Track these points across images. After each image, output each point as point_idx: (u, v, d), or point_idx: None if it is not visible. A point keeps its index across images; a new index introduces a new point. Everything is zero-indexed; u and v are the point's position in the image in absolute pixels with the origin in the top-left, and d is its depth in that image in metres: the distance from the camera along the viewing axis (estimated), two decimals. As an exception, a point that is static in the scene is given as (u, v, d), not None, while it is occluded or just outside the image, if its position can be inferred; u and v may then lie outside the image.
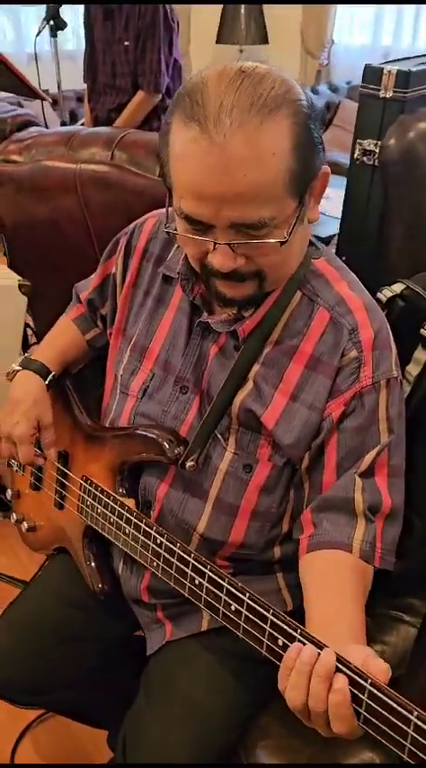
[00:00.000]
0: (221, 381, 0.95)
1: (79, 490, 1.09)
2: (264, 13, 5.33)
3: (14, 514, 1.29)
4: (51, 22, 2.49)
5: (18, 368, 1.13)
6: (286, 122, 0.76)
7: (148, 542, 0.92)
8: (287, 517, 0.98)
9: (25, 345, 1.74)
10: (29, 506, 1.26)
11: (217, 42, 5.44)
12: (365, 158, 1.43)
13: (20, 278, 1.48)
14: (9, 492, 1.30)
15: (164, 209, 1.14)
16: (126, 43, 2.63)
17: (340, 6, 4.99)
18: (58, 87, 2.63)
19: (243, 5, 5.23)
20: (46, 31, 2.63)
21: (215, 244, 0.81)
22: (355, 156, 1.44)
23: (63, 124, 2.67)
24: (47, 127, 2.99)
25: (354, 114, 1.52)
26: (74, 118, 4.46)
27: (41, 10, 4.73)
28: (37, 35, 2.53)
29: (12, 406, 1.10)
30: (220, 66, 0.79)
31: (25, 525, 1.24)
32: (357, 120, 1.44)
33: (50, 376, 1.14)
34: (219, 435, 0.95)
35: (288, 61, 5.43)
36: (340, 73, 5.09)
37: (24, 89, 2.35)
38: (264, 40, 5.37)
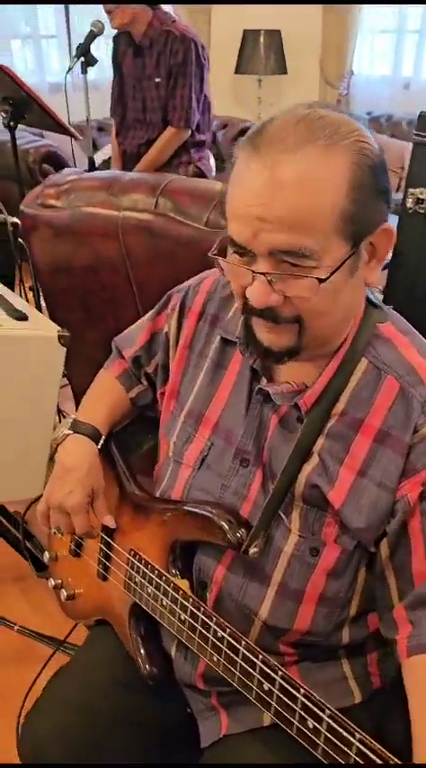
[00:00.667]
0: (283, 455, 0.89)
1: (126, 565, 1.03)
2: (283, 42, 5.36)
3: (52, 579, 1.23)
4: (82, 59, 2.47)
5: (68, 432, 1.08)
6: (345, 159, 0.75)
7: (207, 634, 0.86)
8: (355, 600, 0.91)
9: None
10: (68, 571, 1.20)
11: (235, 72, 5.47)
12: (418, 207, 1.39)
13: (59, 328, 1.44)
14: (47, 554, 1.25)
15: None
16: (157, 80, 2.61)
17: (359, 36, 5.00)
18: (87, 122, 2.61)
19: (262, 34, 5.27)
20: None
21: (253, 275, 0.78)
22: (407, 205, 1.40)
23: (91, 160, 2.64)
24: (74, 160, 2.99)
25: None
26: (94, 147, 4.48)
27: (63, 42, 4.80)
28: (68, 71, 2.51)
29: (63, 473, 1.05)
30: (294, 105, 0.79)
31: (64, 593, 1.18)
32: (409, 169, 1.40)
33: (102, 440, 1.08)
34: (282, 514, 0.89)
35: (307, 91, 5.44)
36: (359, 103, 5.09)
37: (54, 125, 2.33)
38: (283, 71, 5.40)
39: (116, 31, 2.69)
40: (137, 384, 1.17)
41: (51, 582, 1.22)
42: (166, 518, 0.98)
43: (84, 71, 2.51)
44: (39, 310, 2.23)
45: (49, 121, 2.33)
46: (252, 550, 0.86)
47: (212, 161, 2.89)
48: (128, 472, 1.10)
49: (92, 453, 1.06)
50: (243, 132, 4.56)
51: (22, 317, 1.45)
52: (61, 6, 4.68)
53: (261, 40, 5.31)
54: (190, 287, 1.07)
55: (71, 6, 4.73)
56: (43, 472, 1.56)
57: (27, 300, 2.07)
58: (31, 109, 2.33)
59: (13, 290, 1.81)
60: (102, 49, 4.84)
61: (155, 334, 1.12)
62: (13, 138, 2.50)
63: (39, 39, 4.68)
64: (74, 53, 4.73)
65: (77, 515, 1.03)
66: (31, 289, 2.18)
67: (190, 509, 0.93)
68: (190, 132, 2.69)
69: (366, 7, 4.88)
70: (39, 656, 1.72)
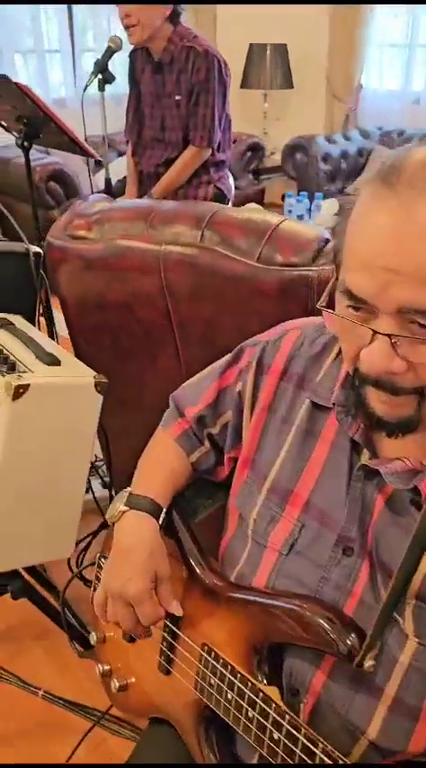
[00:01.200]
0: (394, 544, 0.76)
1: (197, 661, 0.89)
2: (289, 56, 5.28)
3: (100, 665, 1.09)
4: (100, 76, 2.35)
5: (124, 508, 0.94)
6: None
7: (295, 749, 0.72)
8: None
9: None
10: (119, 657, 1.06)
11: (241, 87, 5.38)
12: None
13: (94, 373, 1.30)
14: (93, 635, 1.10)
15: (304, 321, 0.98)
16: (177, 97, 2.49)
17: (368, 50, 4.92)
18: (104, 140, 2.49)
19: (268, 48, 5.18)
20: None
21: (373, 333, 0.66)
22: None
23: (107, 181, 2.52)
24: (91, 180, 2.86)
25: None
26: (98, 164, 4.37)
27: (67, 56, 4.70)
28: (85, 89, 2.39)
29: (122, 557, 0.91)
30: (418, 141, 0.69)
31: (115, 684, 1.04)
32: None
33: (163, 515, 0.95)
34: (396, 615, 0.75)
35: (314, 106, 5.36)
36: (368, 118, 5.00)
37: (71, 145, 2.20)
38: (289, 85, 5.31)
39: (132, 45, 2.57)
40: (198, 446, 1.03)
41: (99, 668, 1.08)
42: (250, 612, 0.84)
43: (102, 88, 2.39)
44: (52, 337, 2.11)
45: (66, 141, 2.20)
46: (368, 663, 0.73)
47: (231, 180, 2.77)
48: (195, 549, 0.96)
49: (152, 531, 0.93)
50: (251, 148, 4.45)
51: (53, 361, 1.32)
52: (65, 20, 4.58)
53: (268, 53, 5.23)
54: (269, 341, 0.94)
55: (75, 20, 4.63)
56: (75, 530, 1.42)
57: (52, 337, 1.94)
58: (47, 128, 2.21)
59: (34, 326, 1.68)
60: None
61: (224, 392, 0.99)
62: (27, 159, 2.37)
63: (43, 53, 4.58)
64: (74, 67, 4.65)
65: (141, 605, 0.89)
66: (42, 315, 2.04)
67: (283, 605, 0.80)
68: (210, 152, 2.57)
69: (375, 21, 4.81)
70: (68, 726, 1.58)
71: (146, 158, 2.69)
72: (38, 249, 1.74)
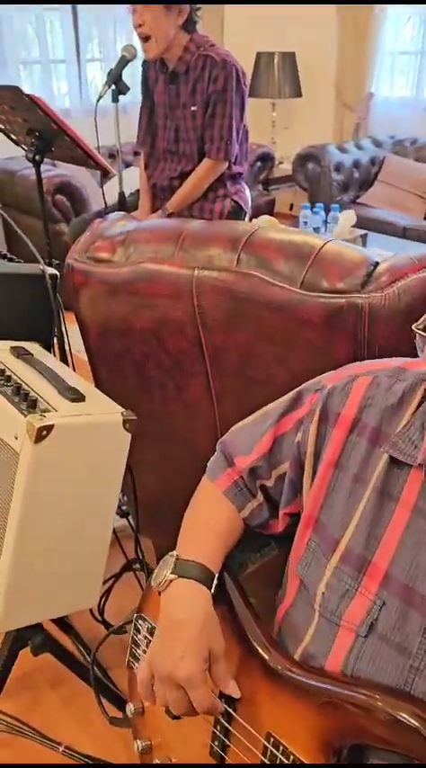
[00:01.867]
0: None
1: (260, 753, 0.78)
2: (298, 65, 5.20)
3: (139, 740, 0.97)
4: (113, 87, 2.26)
5: (172, 576, 0.83)
6: None
7: None
8: None
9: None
10: (161, 733, 0.95)
11: (249, 96, 5.29)
12: None
13: (122, 410, 1.20)
14: (130, 706, 0.99)
15: (373, 365, 0.87)
16: (193, 108, 2.40)
17: (379, 58, 4.84)
18: (118, 153, 2.39)
19: (276, 56, 5.10)
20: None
21: None
22: None
23: (121, 195, 2.42)
24: (104, 195, 2.76)
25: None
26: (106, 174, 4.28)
27: (73, 66, 4.61)
28: (98, 100, 2.29)
29: (170, 633, 0.80)
30: None
31: (157, 762, 0.93)
32: None
33: (215, 582, 0.84)
34: None
35: (323, 115, 5.27)
36: (379, 126, 4.92)
37: (85, 159, 2.10)
38: (298, 93, 5.23)
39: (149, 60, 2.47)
40: (250, 499, 0.93)
41: (138, 744, 0.97)
42: (325, 702, 0.73)
43: (116, 99, 2.29)
44: (65, 360, 1.99)
45: (80, 155, 2.10)
46: None
47: (248, 193, 2.67)
48: (251, 616, 0.85)
49: (205, 603, 0.82)
50: (261, 158, 4.34)
51: (78, 397, 1.21)
52: (71, 30, 4.50)
53: (276, 62, 5.15)
54: (335, 387, 0.83)
55: (81, 30, 4.55)
56: (100, 577, 1.31)
57: (65, 360, 1.83)
58: (59, 141, 2.11)
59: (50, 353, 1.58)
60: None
61: (280, 440, 0.88)
62: (38, 174, 2.27)
63: (48, 63, 4.49)
64: (80, 77, 4.56)
65: (195, 689, 0.78)
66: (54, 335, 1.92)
67: (367, 700, 0.68)
68: (227, 165, 2.48)
69: (386, 28, 4.73)
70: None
71: (158, 171, 2.60)
72: (54, 271, 1.63)
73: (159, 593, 0.84)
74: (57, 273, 1.63)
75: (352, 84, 4.96)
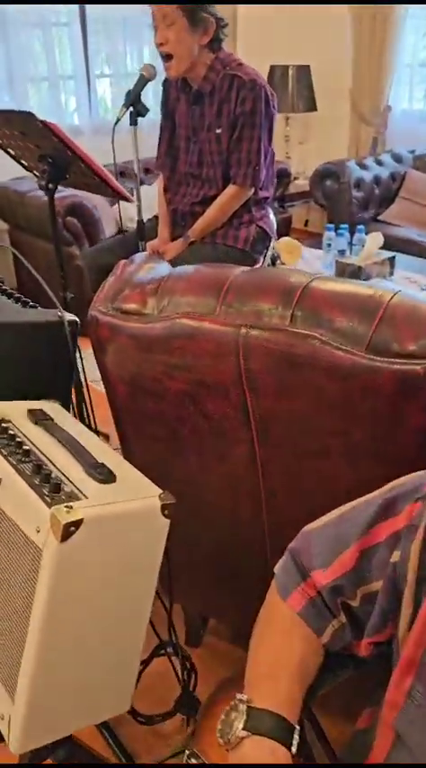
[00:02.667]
0: None
1: None
2: (313, 78, 5.05)
3: None
4: (131, 108, 2.10)
5: (245, 734, 0.66)
6: None
7: None
8: None
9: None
10: None
11: (262, 110, 5.16)
12: None
13: (160, 492, 1.03)
14: None
15: None
16: (217, 131, 2.24)
17: (397, 70, 4.69)
18: (137, 179, 2.23)
19: (290, 69, 4.96)
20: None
21: None
22: None
23: (140, 223, 2.26)
24: (121, 221, 2.60)
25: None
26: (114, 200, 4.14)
27: (81, 83, 4.47)
28: (116, 123, 2.14)
29: None
30: None
31: None
32: None
33: (296, 736, 0.67)
34: None
35: (339, 129, 5.12)
36: (398, 140, 4.76)
37: (106, 189, 1.94)
38: (312, 107, 5.08)
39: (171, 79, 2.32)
40: (330, 620, 0.76)
41: None
42: None
43: (134, 122, 2.14)
44: (82, 418, 1.81)
45: (97, 183, 1.95)
46: None
47: (273, 217, 2.51)
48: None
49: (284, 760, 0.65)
50: (278, 174, 4.20)
51: (108, 477, 1.04)
52: (80, 46, 4.37)
53: (290, 75, 5.01)
54: None
55: (90, 46, 4.41)
56: (134, 678, 1.14)
57: (82, 417, 1.66)
58: (73, 168, 1.96)
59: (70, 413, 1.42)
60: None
61: (369, 554, 0.72)
62: (52, 202, 2.12)
63: (56, 80, 4.36)
64: (89, 94, 4.42)
65: None
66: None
67: None
68: (253, 191, 2.32)
69: (403, 40, 4.58)
70: None
71: (179, 196, 2.44)
72: (73, 317, 1.47)
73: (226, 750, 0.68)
74: (77, 320, 1.47)
75: (369, 97, 4.81)
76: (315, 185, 4.29)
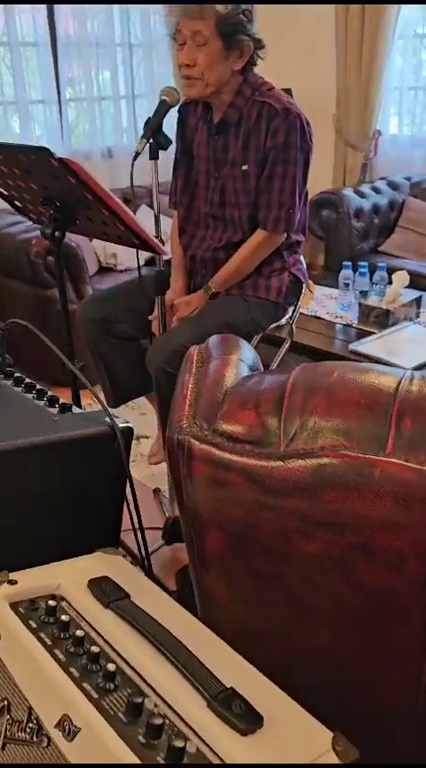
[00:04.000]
0: None
1: None
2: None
3: None
4: (151, 140, 1.74)
5: None
6: None
7: None
8: None
9: None
10: None
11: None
12: None
13: (332, 735, 0.67)
14: None
15: None
16: (244, 167, 1.90)
17: (384, 94, 4.47)
18: (156, 221, 1.86)
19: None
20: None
21: None
22: None
23: (160, 273, 1.88)
24: (140, 275, 2.22)
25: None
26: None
27: (52, 107, 4.10)
28: (135, 158, 1.77)
29: None
30: None
31: None
32: None
33: None
34: None
35: (323, 154, 4.87)
36: (389, 166, 4.53)
37: (133, 240, 1.57)
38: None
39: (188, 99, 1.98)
40: None
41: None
42: None
43: (155, 155, 1.78)
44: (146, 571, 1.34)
45: (121, 233, 1.58)
46: None
47: (304, 262, 2.18)
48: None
49: None
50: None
51: (250, 720, 0.67)
52: (50, 65, 3.99)
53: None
54: None
55: (61, 68, 4.04)
56: None
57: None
58: (91, 214, 1.59)
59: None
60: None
61: None
62: (59, 255, 1.74)
63: (26, 105, 3.97)
64: (61, 119, 4.03)
65: None
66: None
67: None
68: (285, 236, 1.99)
69: (390, 63, 4.38)
70: None
71: (198, 240, 2.09)
72: (127, 424, 1.10)
73: None
74: (132, 428, 1.10)
75: (356, 122, 4.58)
76: (311, 215, 4.00)
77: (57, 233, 1.66)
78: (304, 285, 2.16)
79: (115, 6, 4.22)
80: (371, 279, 2.87)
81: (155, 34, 4.47)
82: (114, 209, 1.46)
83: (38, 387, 1.21)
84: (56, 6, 3.95)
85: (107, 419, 1.07)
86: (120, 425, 1.07)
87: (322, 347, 2.61)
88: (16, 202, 1.83)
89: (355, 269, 2.90)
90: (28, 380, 1.24)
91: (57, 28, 3.98)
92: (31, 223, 3.36)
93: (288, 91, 4.73)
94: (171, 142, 1.81)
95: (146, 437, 2.85)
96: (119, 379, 2.09)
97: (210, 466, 0.87)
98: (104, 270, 3.78)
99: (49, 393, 1.18)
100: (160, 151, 1.78)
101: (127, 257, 3.71)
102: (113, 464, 1.08)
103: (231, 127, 1.91)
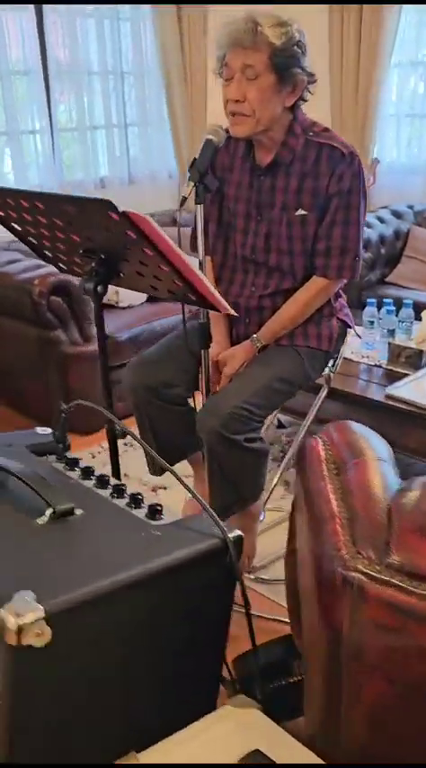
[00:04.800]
0: None
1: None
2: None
3: None
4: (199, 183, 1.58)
5: None
6: None
7: None
8: None
9: None
10: None
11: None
12: None
13: None
14: None
15: None
16: (301, 212, 1.75)
17: (379, 122, 4.41)
18: (200, 267, 1.69)
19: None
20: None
21: None
22: None
23: (204, 327, 1.70)
24: (185, 321, 2.05)
25: None
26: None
27: (45, 137, 3.92)
28: (182, 204, 1.61)
29: None
30: None
31: None
32: None
33: None
34: None
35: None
36: (390, 195, 4.45)
37: (197, 299, 1.40)
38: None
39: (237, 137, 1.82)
40: None
41: None
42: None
43: (201, 200, 1.62)
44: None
45: (175, 288, 1.41)
46: None
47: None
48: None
49: None
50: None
51: None
52: (43, 97, 3.83)
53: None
54: None
55: (53, 96, 3.88)
56: None
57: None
58: (140, 267, 1.42)
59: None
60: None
61: None
62: (99, 311, 1.56)
63: (17, 135, 3.79)
64: (54, 149, 3.87)
65: None
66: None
67: None
68: (343, 283, 1.86)
69: (386, 90, 4.32)
70: None
71: (237, 286, 1.93)
72: (238, 533, 0.93)
73: None
74: (242, 536, 0.92)
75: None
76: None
77: (99, 288, 1.49)
78: (352, 328, 2.01)
79: (106, 33, 4.09)
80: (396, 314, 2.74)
81: (145, 63, 4.36)
82: (177, 266, 1.29)
83: (114, 483, 1.03)
84: (47, 33, 3.80)
85: (215, 529, 0.90)
86: (232, 535, 0.90)
87: (356, 391, 2.46)
88: (46, 252, 1.65)
89: (379, 305, 2.77)
90: (98, 473, 1.05)
91: (48, 55, 3.83)
92: (29, 261, 3.22)
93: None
94: (217, 184, 1.66)
95: (164, 488, 2.67)
96: (166, 445, 1.91)
97: (387, 610, 0.70)
98: (104, 306, 3.58)
99: (132, 491, 1.00)
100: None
101: (129, 294, 3.53)
102: (222, 580, 0.91)
103: (280, 168, 1.77)
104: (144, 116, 4.46)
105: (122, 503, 0.98)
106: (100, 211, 1.23)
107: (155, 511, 0.94)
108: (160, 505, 0.95)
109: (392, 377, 2.54)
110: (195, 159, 1.60)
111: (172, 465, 2.05)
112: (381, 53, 4.20)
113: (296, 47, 1.62)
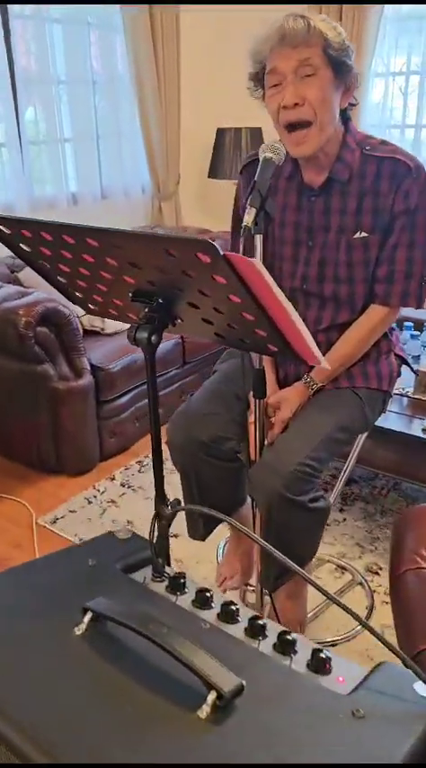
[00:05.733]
0: None
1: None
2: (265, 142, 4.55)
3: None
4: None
5: None
6: None
7: None
8: None
9: None
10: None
11: (209, 176, 4.55)
12: None
13: None
14: None
15: None
16: (361, 235, 1.55)
17: (367, 131, 4.28)
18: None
19: (241, 132, 4.42)
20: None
21: None
22: None
23: (260, 374, 1.47)
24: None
25: None
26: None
27: (13, 152, 3.61)
28: (244, 232, 1.38)
29: None
30: None
31: None
32: None
33: None
34: None
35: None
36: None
37: (282, 347, 1.17)
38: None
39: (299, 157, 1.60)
40: None
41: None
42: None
43: (260, 230, 1.39)
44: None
45: (254, 337, 1.18)
46: None
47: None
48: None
49: None
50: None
51: None
52: (11, 109, 3.52)
53: (241, 138, 4.45)
54: None
55: (20, 104, 3.58)
56: None
57: None
58: (212, 314, 1.18)
59: None
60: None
61: None
62: (152, 361, 1.31)
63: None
64: (23, 164, 3.58)
65: None
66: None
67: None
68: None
69: (368, 98, 4.20)
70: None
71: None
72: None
73: None
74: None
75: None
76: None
77: (153, 337, 1.24)
78: (405, 366, 1.82)
79: (75, 39, 3.82)
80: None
81: (116, 71, 4.10)
82: (274, 318, 1.06)
83: (249, 615, 0.79)
84: (13, 41, 3.50)
85: (418, 688, 0.66)
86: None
87: (386, 425, 2.28)
88: (77, 293, 1.39)
89: (399, 328, 2.61)
90: (220, 599, 0.81)
91: (16, 64, 3.53)
92: (12, 290, 2.91)
93: (259, 130, 4.48)
94: (276, 209, 1.43)
95: (175, 536, 2.42)
96: (213, 507, 1.66)
97: None
98: (89, 333, 3.29)
99: (279, 630, 0.75)
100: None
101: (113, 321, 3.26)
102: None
103: (334, 186, 1.56)
104: (116, 127, 4.20)
105: (268, 646, 0.73)
106: (186, 252, 0.98)
107: (320, 662, 0.70)
108: (322, 651, 0.71)
109: (421, 407, 2.38)
110: (255, 182, 1.37)
111: (215, 527, 1.82)
112: (361, 63, 4.07)
113: (345, 41, 1.43)
